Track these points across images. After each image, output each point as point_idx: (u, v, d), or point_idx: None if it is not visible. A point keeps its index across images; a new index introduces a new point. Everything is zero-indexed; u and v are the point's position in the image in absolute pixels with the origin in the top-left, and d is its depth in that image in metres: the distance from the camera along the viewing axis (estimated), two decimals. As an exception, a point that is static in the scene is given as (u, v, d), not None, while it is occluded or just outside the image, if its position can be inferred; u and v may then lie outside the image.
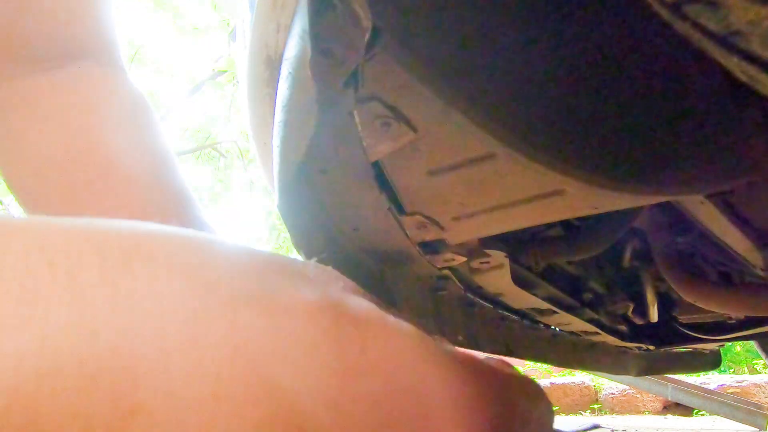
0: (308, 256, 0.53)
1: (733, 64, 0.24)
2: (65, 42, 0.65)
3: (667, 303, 1.05)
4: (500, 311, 0.83)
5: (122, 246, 0.19)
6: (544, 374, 5.03)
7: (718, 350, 1.43)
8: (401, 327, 0.24)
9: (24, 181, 0.65)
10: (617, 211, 0.70)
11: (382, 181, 0.49)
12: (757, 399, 3.47)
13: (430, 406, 0.23)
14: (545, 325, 0.95)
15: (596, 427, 2.99)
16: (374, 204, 0.50)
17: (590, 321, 0.92)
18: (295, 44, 0.37)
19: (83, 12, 0.66)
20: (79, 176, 0.61)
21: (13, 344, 0.16)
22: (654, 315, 0.95)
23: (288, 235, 0.50)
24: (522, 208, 0.49)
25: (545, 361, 1.03)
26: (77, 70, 0.64)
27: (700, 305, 0.80)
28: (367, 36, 0.34)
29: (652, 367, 1.34)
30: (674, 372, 1.44)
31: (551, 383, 4.46)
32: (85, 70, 0.65)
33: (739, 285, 0.87)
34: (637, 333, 1.09)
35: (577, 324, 0.91)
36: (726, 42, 0.23)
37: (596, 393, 4.27)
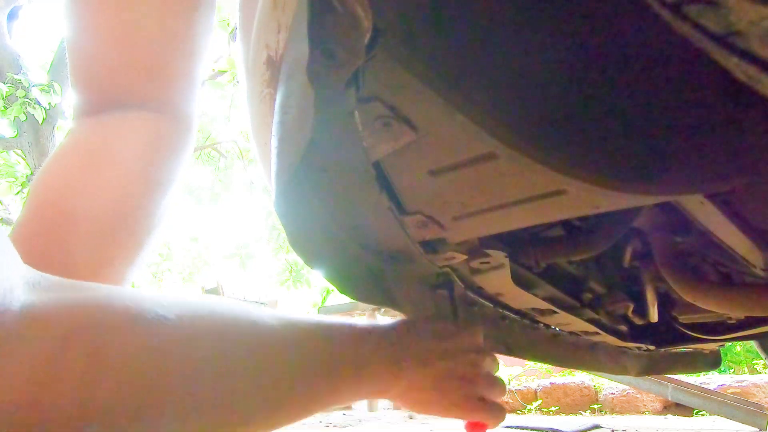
0: (305, 256, 0.53)
1: (733, 64, 0.24)
2: (133, 88, 0.71)
3: (667, 303, 1.05)
4: (500, 311, 0.83)
5: None
6: (544, 374, 5.03)
7: (718, 350, 1.43)
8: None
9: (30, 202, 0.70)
10: (617, 211, 0.70)
11: (383, 181, 0.49)
12: (757, 399, 3.47)
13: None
14: (545, 325, 0.95)
15: (596, 427, 2.99)
16: (375, 203, 0.50)
17: (590, 321, 0.92)
18: (295, 45, 0.37)
19: (156, 62, 0.71)
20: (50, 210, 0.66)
21: None
22: (654, 315, 0.95)
23: (286, 235, 0.50)
24: (522, 208, 0.49)
25: (545, 361, 1.03)
26: (121, 117, 0.71)
27: (700, 305, 0.80)
28: (368, 37, 0.34)
29: (652, 367, 1.34)
30: (674, 372, 1.44)
31: (551, 383, 4.46)
32: (124, 116, 0.71)
33: (739, 285, 0.87)
34: (637, 333, 1.09)
35: (577, 324, 0.91)
36: (726, 42, 0.23)
37: (596, 393, 4.27)
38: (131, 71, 0.72)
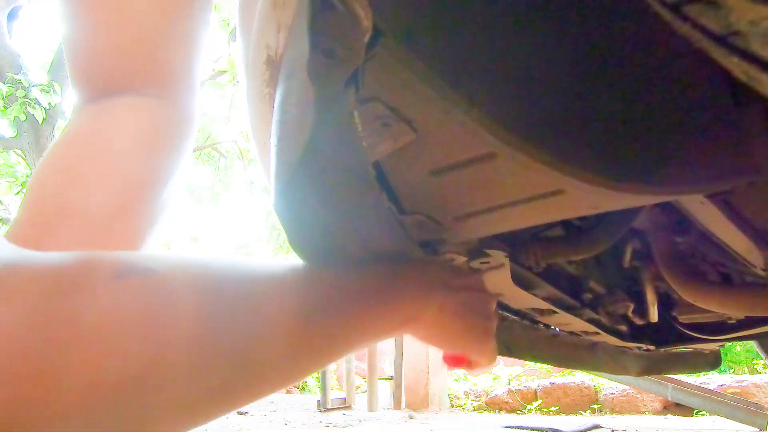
0: (305, 256, 0.53)
1: (733, 64, 0.24)
2: (130, 75, 0.71)
3: (667, 303, 1.05)
4: (500, 311, 0.83)
5: None
6: (544, 374, 5.03)
7: (718, 350, 1.43)
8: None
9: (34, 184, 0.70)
10: (617, 211, 0.70)
11: (383, 181, 0.49)
12: (757, 399, 3.47)
13: None
14: (545, 325, 0.95)
15: (596, 427, 2.99)
16: (374, 204, 0.50)
17: (590, 321, 0.92)
18: (295, 44, 0.37)
19: (152, 49, 0.71)
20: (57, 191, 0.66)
21: None
22: (654, 315, 0.95)
23: (286, 235, 0.50)
24: (522, 208, 0.49)
25: (545, 361, 1.03)
26: (120, 102, 0.71)
27: (700, 305, 0.80)
28: (368, 36, 0.34)
29: (652, 367, 1.34)
30: (674, 372, 1.44)
31: (551, 383, 4.46)
32: (122, 104, 0.71)
33: (739, 285, 0.87)
34: (637, 333, 1.09)
35: (577, 324, 0.91)
36: (726, 42, 0.23)
37: (596, 393, 4.27)
38: (129, 57, 0.71)
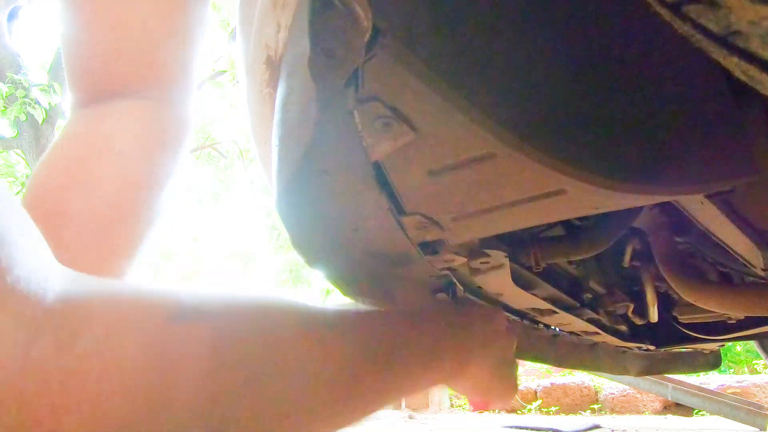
0: (306, 256, 0.53)
1: (733, 64, 0.24)
2: (127, 79, 0.71)
3: (667, 303, 1.05)
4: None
5: None
6: (544, 374, 5.03)
7: (718, 350, 1.43)
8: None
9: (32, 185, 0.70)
10: (617, 211, 0.70)
11: (383, 181, 0.49)
12: (757, 399, 3.47)
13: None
14: (545, 325, 0.95)
15: (596, 427, 2.99)
16: (374, 204, 0.50)
17: (590, 321, 0.92)
18: (295, 44, 0.37)
19: (149, 53, 0.72)
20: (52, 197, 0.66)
21: None
22: (654, 315, 0.95)
23: (287, 235, 0.50)
24: (522, 208, 0.49)
25: (545, 361, 1.03)
26: (116, 106, 0.71)
27: (700, 305, 0.80)
28: (367, 36, 0.34)
29: (652, 367, 1.34)
30: (674, 372, 1.44)
31: (551, 383, 4.46)
32: (119, 107, 0.71)
33: (739, 285, 0.87)
34: (637, 333, 1.09)
35: (577, 324, 0.91)
36: (726, 42, 0.23)
37: (596, 393, 4.27)
38: (126, 61, 0.72)
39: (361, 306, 0.47)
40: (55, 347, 0.25)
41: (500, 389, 0.57)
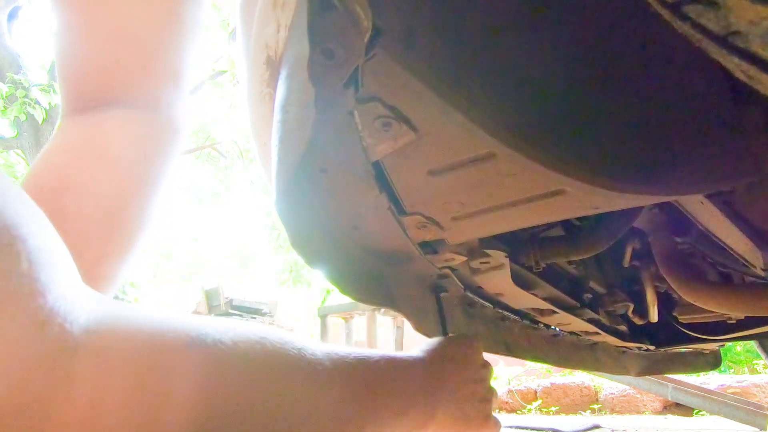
0: (306, 256, 0.53)
1: (733, 64, 0.24)
2: (121, 87, 0.72)
3: (667, 303, 1.05)
4: (500, 311, 0.83)
5: None
6: (544, 374, 5.03)
7: (718, 350, 1.43)
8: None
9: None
10: (617, 211, 0.70)
11: (383, 181, 0.49)
12: (757, 399, 3.47)
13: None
14: (545, 325, 0.95)
15: (596, 427, 2.99)
16: (374, 204, 0.50)
17: (590, 321, 0.92)
18: (295, 44, 0.37)
19: (142, 61, 0.72)
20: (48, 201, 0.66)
21: None
22: (654, 315, 0.95)
23: (287, 235, 0.50)
24: (522, 208, 0.49)
25: (545, 361, 1.03)
26: (108, 115, 0.72)
27: (700, 305, 0.80)
28: (367, 36, 0.34)
29: (652, 367, 1.34)
30: (674, 372, 1.44)
31: (551, 383, 4.46)
32: (113, 114, 0.72)
33: (739, 285, 0.87)
34: (637, 333, 1.09)
35: (577, 324, 0.91)
36: (726, 42, 0.23)
37: (596, 393, 4.27)
38: (118, 69, 0.72)
39: (350, 349, 0.49)
40: (88, 377, 0.26)
41: (477, 429, 0.58)
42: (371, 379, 0.48)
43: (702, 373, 3.91)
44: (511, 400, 4.52)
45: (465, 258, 0.63)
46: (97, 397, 0.26)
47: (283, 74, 0.39)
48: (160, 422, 0.28)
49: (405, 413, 0.50)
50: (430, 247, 0.60)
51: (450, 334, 0.66)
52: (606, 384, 4.18)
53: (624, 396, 4.08)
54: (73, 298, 0.27)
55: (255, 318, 6.79)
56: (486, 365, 0.62)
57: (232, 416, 0.33)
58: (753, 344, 1.72)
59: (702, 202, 0.57)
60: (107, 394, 0.27)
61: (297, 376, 0.40)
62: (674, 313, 1.05)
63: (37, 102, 4.63)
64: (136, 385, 0.28)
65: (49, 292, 0.25)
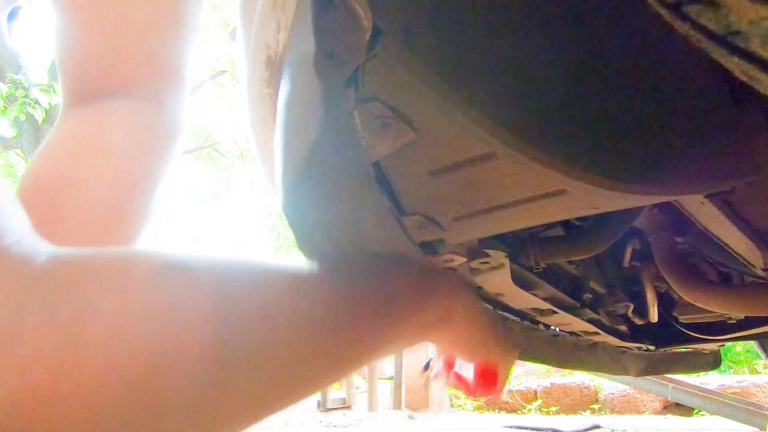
0: (311, 256, 0.53)
1: (733, 64, 0.24)
2: (121, 79, 0.72)
3: (667, 303, 1.05)
4: (500, 311, 0.83)
5: None
6: (544, 374, 5.03)
7: (718, 350, 1.43)
8: None
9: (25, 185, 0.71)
10: (617, 211, 0.70)
11: (383, 182, 0.49)
12: (757, 399, 3.47)
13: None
14: (545, 325, 0.95)
15: (596, 427, 2.99)
16: (375, 204, 0.50)
17: (590, 321, 0.92)
18: (296, 44, 0.37)
19: (142, 53, 0.72)
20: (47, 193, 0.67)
21: None
22: (654, 315, 0.95)
23: (289, 235, 0.50)
24: (522, 208, 0.49)
25: (545, 361, 1.03)
26: (108, 106, 0.72)
27: (700, 305, 0.80)
28: (368, 36, 0.34)
29: (652, 367, 1.34)
30: (674, 372, 1.44)
31: (551, 383, 4.46)
32: (113, 107, 0.72)
33: (739, 285, 0.87)
34: (637, 333, 1.09)
35: (577, 324, 0.91)
36: (726, 42, 0.23)
37: (596, 393, 4.27)
38: (118, 60, 0.72)
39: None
40: (47, 310, 0.25)
41: (498, 348, 0.54)
42: (375, 276, 0.45)
43: (702, 373, 3.92)
44: (511, 400, 4.52)
45: (465, 258, 0.63)
46: (56, 340, 0.25)
47: (286, 74, 0.39)
48: (129, 350, 0.27)
49: (420, 305, 0.46)
50: (430, 248, 0.60)
51: None
52: (606, 384, 4.19)
53: (624, 396, 4.08)
54: (29, 242, 0.27)
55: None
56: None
57: (232, 330, 0.31)
58: (753, 344, 1.72)
59: (702, 202, 0.57)
60: (68, 335, 0.25)
61: (291, 290, 0.37)
62: (674, 313, 1.05)
63: (37, 102, 4.64)
64: (96, 324, 0.26)
65: (2, 237, 0.25)
